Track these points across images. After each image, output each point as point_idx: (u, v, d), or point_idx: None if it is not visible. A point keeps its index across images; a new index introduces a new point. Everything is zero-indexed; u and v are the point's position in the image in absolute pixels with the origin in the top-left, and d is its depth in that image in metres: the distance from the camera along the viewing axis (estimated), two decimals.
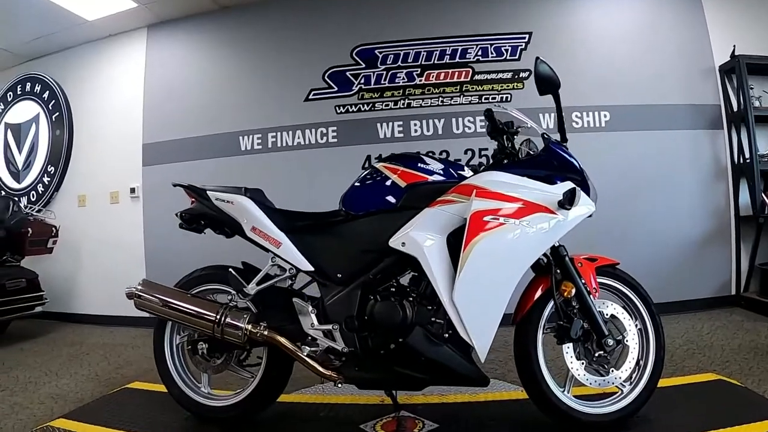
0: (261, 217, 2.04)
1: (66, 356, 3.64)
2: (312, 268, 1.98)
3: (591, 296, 1.86)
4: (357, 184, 2.03)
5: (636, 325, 1.94)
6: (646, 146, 4.04)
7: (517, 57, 4.14)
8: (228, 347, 2.10)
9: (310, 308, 1.96)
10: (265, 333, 1.96)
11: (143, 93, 4.96)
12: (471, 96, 4.16)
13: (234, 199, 2.07)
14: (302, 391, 2.51)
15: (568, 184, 1.84)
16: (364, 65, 4.33)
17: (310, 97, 4.43)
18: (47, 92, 5.42)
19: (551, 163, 1.90)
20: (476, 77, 4.16)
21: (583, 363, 1.88)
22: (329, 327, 1.92)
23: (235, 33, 4.76)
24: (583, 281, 1.87)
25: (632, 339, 1.91)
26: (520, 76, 4.12)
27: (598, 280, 1.93)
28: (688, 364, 2.66)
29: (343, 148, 4.33)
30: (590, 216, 1.89)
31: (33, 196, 5.37)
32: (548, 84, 1.84)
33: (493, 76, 4.14)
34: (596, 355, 1.86)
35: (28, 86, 5.56)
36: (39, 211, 5.07)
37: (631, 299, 1.96)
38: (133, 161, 4.90)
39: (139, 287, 2.13)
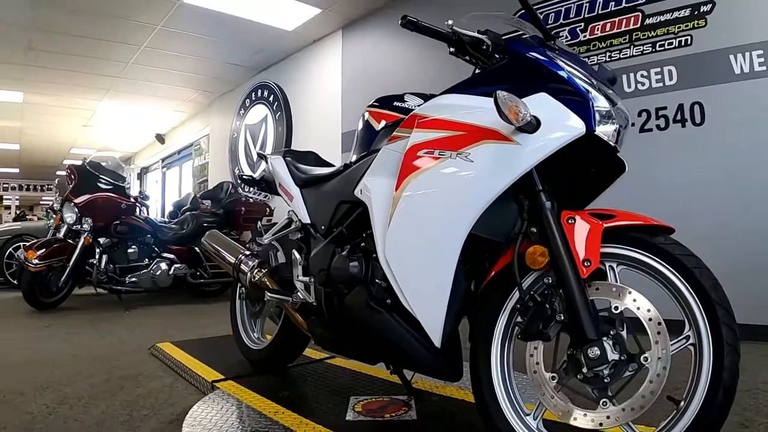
0: (283, 173, 2.09)
1: None
2: (309, 221, 1.93)
3: (578, 272, 1.16)
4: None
5: (688, 338, 1.11)
6: None
7: None
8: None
9: (300, 260, 1.92)
10: (264, 279, 2.04)
11: (341, 88, 5.61)
12: (642, 45, 3.61)
13: (271, 159, 2.20)
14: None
15: (541, 97, 1.23)
16: None
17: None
18: (272, 96, 6.54)
19: (517, 70, 1.33)
20: (647, 21, 3.57)
21: (555, 377, 1.20)
22: (307, 279, 1.84)
23: None
24: (569, 248, 1.19)
25: (658, 358, 1.09)
26: (701, 11, 3.38)
27: (624, 252, 1.19)
28: None
29: None
30: (602, 143, 1.21)
31: (263, 184, 6.54)
32: None
33: (667, 16, 3.50)
34: (585, 372, 1.15)
35: (259, 93, 6.82)
36: (265, 196, 6.17)
37: (680, 292, 1.12)
38: (335, 148, 5.52)
39: (205, 237, 2.46)
